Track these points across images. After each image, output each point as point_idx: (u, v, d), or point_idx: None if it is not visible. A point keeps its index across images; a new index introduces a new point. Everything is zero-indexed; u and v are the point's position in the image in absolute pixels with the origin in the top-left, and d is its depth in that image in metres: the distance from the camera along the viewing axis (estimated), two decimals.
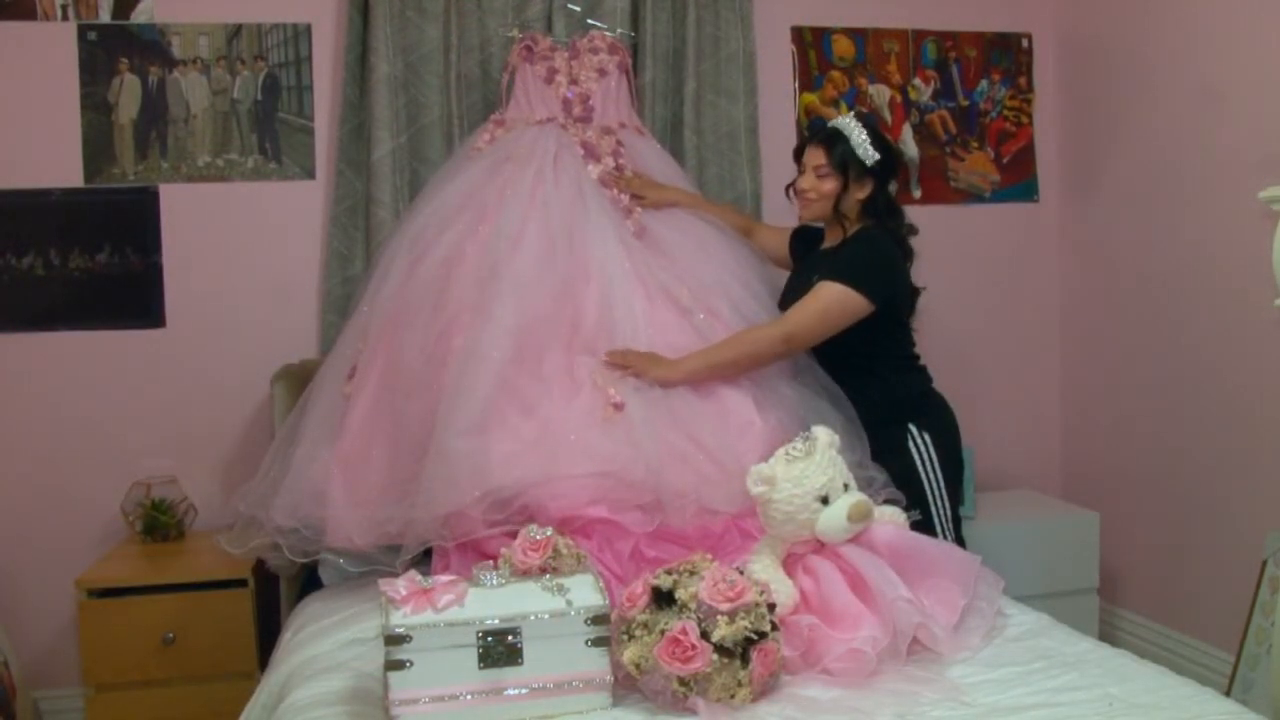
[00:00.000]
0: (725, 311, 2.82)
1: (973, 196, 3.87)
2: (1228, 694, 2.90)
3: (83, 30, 3.21)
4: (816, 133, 2.93)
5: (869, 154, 2.78)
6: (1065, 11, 3.85)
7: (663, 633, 1.88)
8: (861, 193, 2.81)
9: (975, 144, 3.86)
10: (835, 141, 2.80)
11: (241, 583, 2.90)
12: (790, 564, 2.19)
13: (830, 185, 2.80)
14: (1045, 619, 2.31)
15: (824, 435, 2.24)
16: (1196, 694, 1.92)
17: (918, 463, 2.78)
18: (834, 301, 2.71)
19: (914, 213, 3.00)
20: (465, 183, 2.94)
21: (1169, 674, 2.02)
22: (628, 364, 2.62)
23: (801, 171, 2.86)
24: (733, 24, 3.49)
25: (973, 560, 2.28)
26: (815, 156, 2.82)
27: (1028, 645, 2.16)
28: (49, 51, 3.19)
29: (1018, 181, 3.91)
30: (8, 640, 3.04)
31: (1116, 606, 3.68)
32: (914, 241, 2.89)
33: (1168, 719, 1.82)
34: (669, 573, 1.98)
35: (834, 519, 2.15)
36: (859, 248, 2.80)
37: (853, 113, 3.22)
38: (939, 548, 2.34)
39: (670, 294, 2.82)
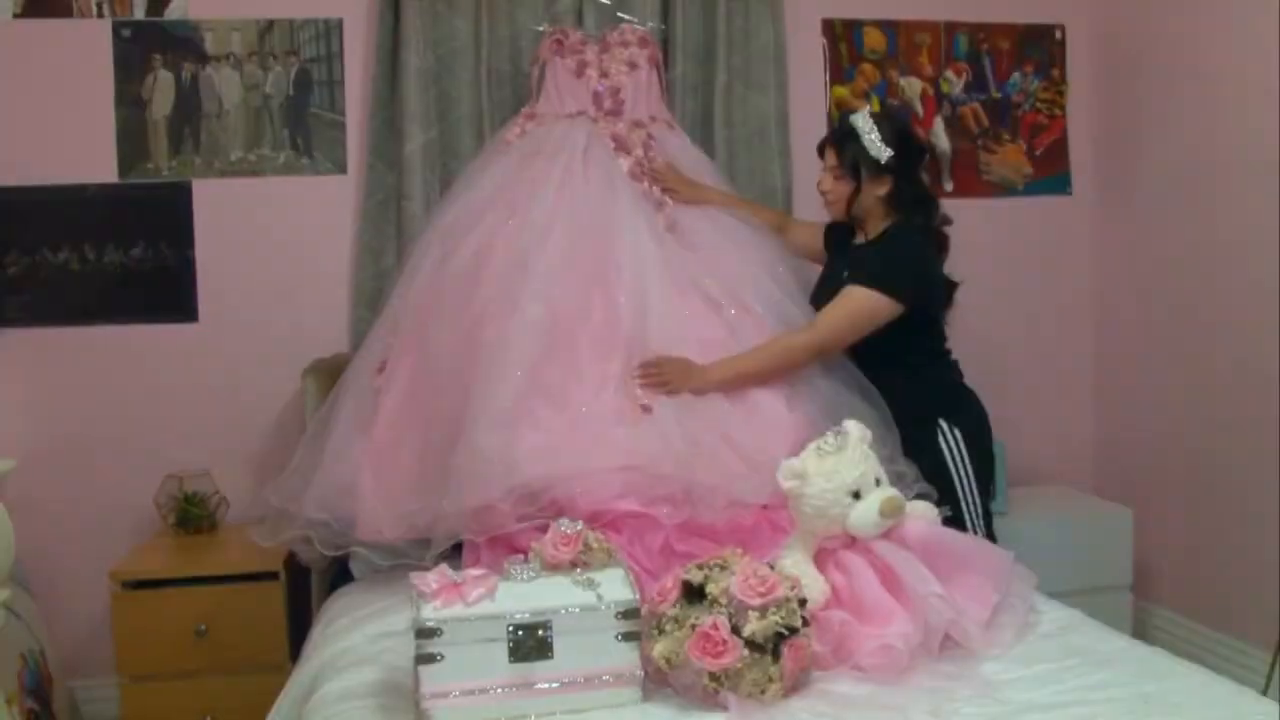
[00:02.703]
0: (757, 306, 2.82)
1: (1005, 189, 3.83)
2: (1264, 693, 2.86)
3: (117, 27, 3.24)
4: (832, 132, 2.92)
5: (881, 151, 2.74)
6: (1099, 3, 3.81)
7: (693, 628, 1.88)
8: (880, 189, 2.79)
9: (1007, 137, 3.82)
10: (847, 141, 2.78)
11: (273, 575, 2.92)
12: (822, 559, 2.18)
13: (845, 186, 2.79)
14: (1079, 615, 2.28)
15: (856, 430, 2.23)
16: (1234, 693, 1.90)
17: (948, 458, 2.77)
18: (863, 306, 2.70)
19: (946, 206, 2.97)
20: (495, 177, 2.94)
21: (1205, 672, 2.00)
22: (661, 376, 2.61)
23: (823, 170, 2.85)
24: (763, 17, 3.47)
25: (1005, 556, 2.26)
26: (830, 157, 2.83)
27: (1061, 642, 2.13)
28: (84, 48, 3.22)
29: (1050, 174, 3.87)
30: (44, 631, 3.07)
31: (1150, 603, 3.64)
32: (947, 234, 2.87)
33: (1204, 718, 1.80)
34: (700, 567, 1.97)
35: (866, 514, 2.13)
36: (888, 247, 2.78)
37: (866, 108, 3.19)
38: (971, 543, 2.33)
39: (701, 288, 2.81)
